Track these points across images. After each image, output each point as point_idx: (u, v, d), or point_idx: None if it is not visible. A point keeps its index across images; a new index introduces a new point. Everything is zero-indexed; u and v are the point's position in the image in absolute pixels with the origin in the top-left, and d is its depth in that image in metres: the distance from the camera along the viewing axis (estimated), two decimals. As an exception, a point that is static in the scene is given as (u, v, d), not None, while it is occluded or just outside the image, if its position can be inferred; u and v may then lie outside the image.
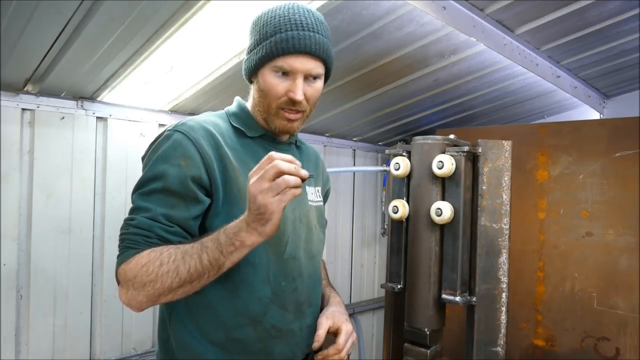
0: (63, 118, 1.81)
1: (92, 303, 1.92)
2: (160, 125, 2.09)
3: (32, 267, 1.75)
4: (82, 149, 1.87)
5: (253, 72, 1.16)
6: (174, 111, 2.13)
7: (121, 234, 1.05)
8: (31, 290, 1.75)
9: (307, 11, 1.14)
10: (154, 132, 2.07)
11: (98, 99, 1.88)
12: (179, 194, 1.05)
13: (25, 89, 1.70)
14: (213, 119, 1.18)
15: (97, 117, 1.91)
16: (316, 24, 1.12)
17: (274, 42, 1.09)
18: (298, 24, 1.10)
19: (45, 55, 1.50)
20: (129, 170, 1.99)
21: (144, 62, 1.64)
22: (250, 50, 1.17)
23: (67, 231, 1.83)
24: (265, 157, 0.95)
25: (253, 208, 0.94)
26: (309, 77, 1.13)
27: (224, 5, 1.45)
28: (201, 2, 1.37)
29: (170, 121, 2.10)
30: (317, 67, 1.13)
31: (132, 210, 1.07)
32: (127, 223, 1.05)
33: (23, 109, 1.72)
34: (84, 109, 1.86)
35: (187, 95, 1.98)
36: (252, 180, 0.94)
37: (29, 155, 1.74)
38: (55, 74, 1.62)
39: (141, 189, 1.07)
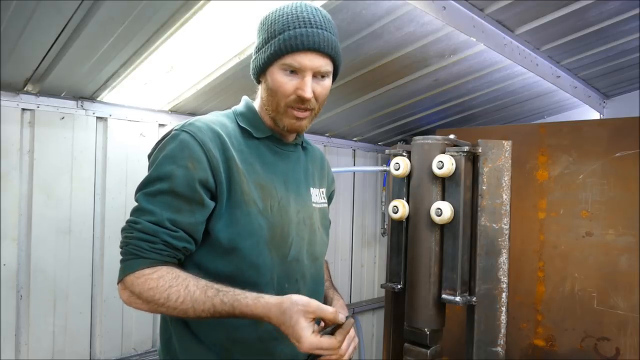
0: (63, 118, 1.81)
1: (92, 303, 1.92)
2: (161, 125, 2.09)
3: (32, 268, 1.75)
4: (82, 149, 1.87)
5: (261, 71, 1.15)
6: (174, 111, 2.13)
7: (125, 237, 1.04)
8: (31, 291, 1.75)
9: (315, 9, 1.14)
10: (154, 132, 2.07)
11: (98, 99, 1.88)
12: (185, 197, 1.04)
13: (25, 89, 1.70)
14: (220, 119, 1.17)
15: (97, 117, 1.91)
16: (324, 22, 1.12)
17: (282, 40, 1.09)
18: (306, 22, 1.09)
19: (45, 55, 1.50)
20: (129, 170, 1.99)
21: (144, 62, 1.64)
22: (258, 50, 1.16)
23: (67, 231, 1.83)
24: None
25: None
26: (317, 75, 1.12)
27: (224, 5, 1.44)
28: (201, 2, 1.37)
29: (171, 121, 2.11)
30: (325, 65, 1.12)
31: (136, 211, 1.05)
32: (131, 226, 1.03)
33: (23, 109, 1.72)
34: (84, 109, 1.86)
35: (187, 95, 1.98)
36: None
37: (29, 155, 1.74)
38: (55, 74, 1.62)
39: (146, 189, 1.06)
